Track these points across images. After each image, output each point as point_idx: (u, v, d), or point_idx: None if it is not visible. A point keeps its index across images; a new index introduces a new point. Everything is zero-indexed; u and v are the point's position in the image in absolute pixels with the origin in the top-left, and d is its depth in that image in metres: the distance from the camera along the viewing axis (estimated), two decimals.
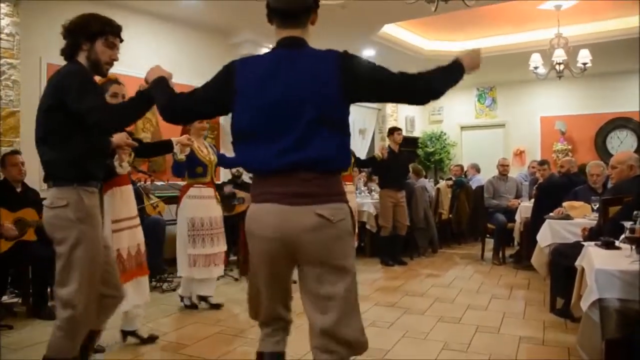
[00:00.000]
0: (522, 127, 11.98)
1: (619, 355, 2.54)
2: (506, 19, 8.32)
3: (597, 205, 4.61)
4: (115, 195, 3.48)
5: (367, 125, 11.04)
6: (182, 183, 6.02)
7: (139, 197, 5.15)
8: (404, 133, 7.88)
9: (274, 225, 1.89)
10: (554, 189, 5.96)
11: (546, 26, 8.09)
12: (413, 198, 7.38)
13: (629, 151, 5.58)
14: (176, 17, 6.88)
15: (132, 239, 3.62)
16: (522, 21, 8.41)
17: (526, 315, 4.50)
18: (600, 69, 9.76)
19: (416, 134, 12.63)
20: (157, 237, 5.52)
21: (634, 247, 2.77)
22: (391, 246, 6.96)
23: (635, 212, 2.90)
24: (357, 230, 6.77)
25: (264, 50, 7.90)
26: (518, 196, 7.37)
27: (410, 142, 11.87)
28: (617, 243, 3.10)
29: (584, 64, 7.50)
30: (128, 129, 3.18)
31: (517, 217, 6.52)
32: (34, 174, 5.39)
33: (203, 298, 4.75)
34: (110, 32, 2.47)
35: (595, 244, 3.19)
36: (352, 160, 6.41)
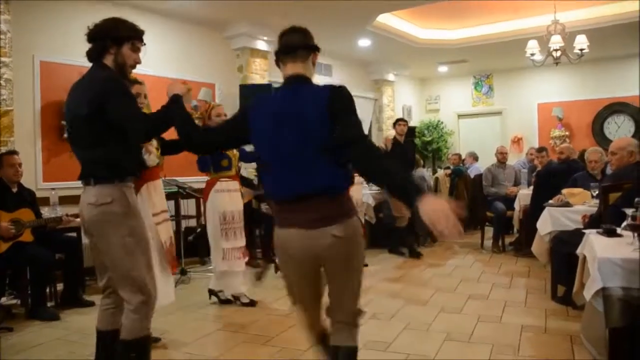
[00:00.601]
0: (519, 114, 11.95)
1: (623, 343, 2.53)
2: (502, 6, 8.27)
3: (597, 192, 4.60)
4: (150, 190, 3.58)
5: (364, 115, 10.99)
6: (179, 179, 6.02)
7: None
8: None
9: (299, 247, 2.18)
10: (552, 176, 5.95)
11: (542, 12, 8.06)
12: None
13: (628, 137, 5.55)
14: (171, 10, 6.82)
15: (170, 231, 3.77)
16: (518, 8, 8.36)
17: (528, 304, 4.49)
18: (597, 55, 9.74)
19: (413, 123, 12.58)
20: None
21: (636, 234, 2.74)
22: (409, 236, 6.99)
23: (636, 199, 2.87)
24: (372, 221, 6.80)
25: (259, 42, 7.87)
26: (517, 184, 7.36)
27: (408, 132, 11.80)
28: (618, 230, 3.08)
29: (581, 49, 7.45)
30: None
31: (516, 205, 6.51)
32: (29, 174, 5.38)
33: (235, 297, 4.75)
34: (135, 36, 2.57)
35: (597, 232, 3.16)
36: None
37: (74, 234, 5.04)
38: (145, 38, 2.63)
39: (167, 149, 3.17)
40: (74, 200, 5.36)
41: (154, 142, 3.44)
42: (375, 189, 7.48)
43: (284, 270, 2.39)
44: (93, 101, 2.40)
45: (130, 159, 2.60)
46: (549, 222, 4.75)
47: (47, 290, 4.68)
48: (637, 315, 2.45)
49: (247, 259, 4.81)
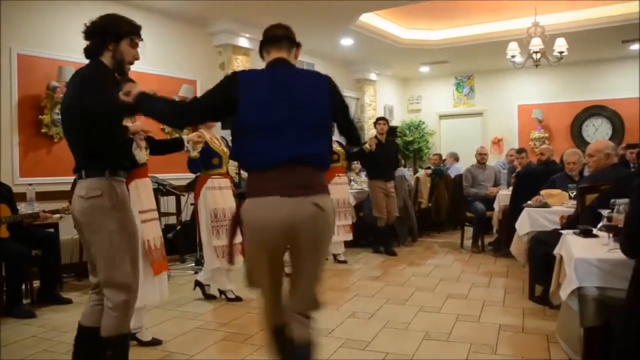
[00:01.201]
0: (500, 115, 12.07)
1: (597, 343, 2.56)
2: (483, 8, 8.34)
3: (575, 193, 4.65)
4: (139, 187, 3.55)
5: None
6: (159, 176, 5.96)
7: None
8: None
9: (275, 216, 2.17)
10: (531, 177, 6.01)
11: (523, 15, 8.14)
12: None
13: (605, 140, 5.65)
14: (152, 5, 6.75)
15: (157, 231, 3.73)
16: (500, 10, 8.44)
17: (506, 303, 4.53)
18: (576, 58, 9.88)
19: (395, 123, 12.64)
20: None
21: (611, 235, 2.78)
22: (386, 236, 7.00)
23: (612, 200, 2.91)
24: (353, 220, 6.80)
25: (241, 39, 7.82)
26: (496, 184, 7.42)
27: (389, 131, 11.84)
28: (594, 231, 3.12)
29: (560, 52, 7.56)
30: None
31: (496, 205, 6.56)
32: (5, 169, 5.29)
33: (222, 292, 4.78)
34: (134, 31, 2.59)
35: (574, 232, 3.20)
36: (343, 152, 6.41)
37: (52, 230, 4.97)
38: None
39: (156, 149, 3.14)
40: (51, 196, 5.36)
41: (144, 141, 3.43)
42: (355, 188, 7.51)
43: (249, 247, 2.32)
44: (77, 96, 2.44)
45: (119, 152, 2.62)
46: (527, 222, 4.80)
47: (23, 287, 4.61)
48: (611, 314, 2.48)
49: (239, 256, 4.79)
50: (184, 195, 6.40)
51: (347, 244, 6.62)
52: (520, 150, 7.78)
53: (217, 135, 4.76)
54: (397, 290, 5.05)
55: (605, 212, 2.92)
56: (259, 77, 2.31)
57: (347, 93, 10.86)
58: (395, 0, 7.42)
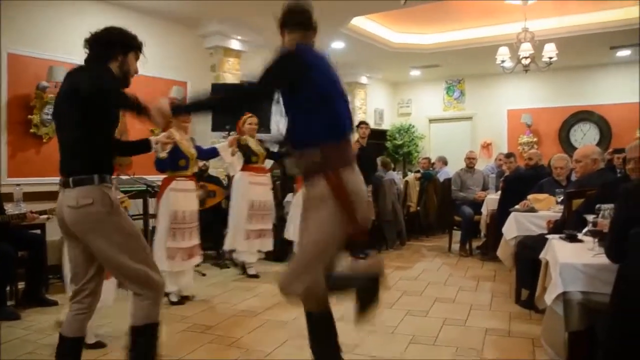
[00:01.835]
0: (489, 119, 12.12)
1: (581, 347, 2.58)
2: (474, 13, 8.38)
3: (562, 198, 4.69)
4: None
5: None
6: (147, 177, 5.93)
7: None
8: (373, 126, 7.88)
9: (364, 187, 2.53)
10: (519, 182, 6.04)
11: (513, 20, 8.18)
12: (381, 191, 7.38)
13: (592, 145, 5.69)
14: (143, 8, 6.73)
15: None
16: (490, 15, 8.49)
17: (492, 307, 4.56)
18: (565, 63, 9.94)
19: (385, 126, 12.67)
20: None
21: (596, 240, 2.80)
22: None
23: (597, 206, 2.94)
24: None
25: (232, 42, 7.80)
26: (485, 188, 7.45)
27: (379, 135, 11.91)
28: (579, 236, 3.14)
29: (550, 57, 7.61)
30: None
31: (484, 210, 6.59)
32: None
33: (184, 297, 4.78)
34: (140, 46, 2.76)
35: (560, 237, 3.23)
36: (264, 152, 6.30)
37: (38, 231, 4.93)
38: None
39: (122, 151, 3.03)
40: (39, 196, 5.31)
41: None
42: None
43: (341, 219, 2.42)
44: (70, 97, 2.45)
45: (108, 156, 2.60)
46: (514, 227, 4.83)
47: (8, 288, 4.57)
48: (595, 319, 2.50)
49: (197, 259, 4.80)
50: None
51: None
52: (508, 155, 7.83)
53: (186, 137, 4.75)
54: (384, 294, 5.04)
55: (590, 217, 2.95)
56: (312, 51, 2.50)
57: None
58: (387, 1, 7.43)
